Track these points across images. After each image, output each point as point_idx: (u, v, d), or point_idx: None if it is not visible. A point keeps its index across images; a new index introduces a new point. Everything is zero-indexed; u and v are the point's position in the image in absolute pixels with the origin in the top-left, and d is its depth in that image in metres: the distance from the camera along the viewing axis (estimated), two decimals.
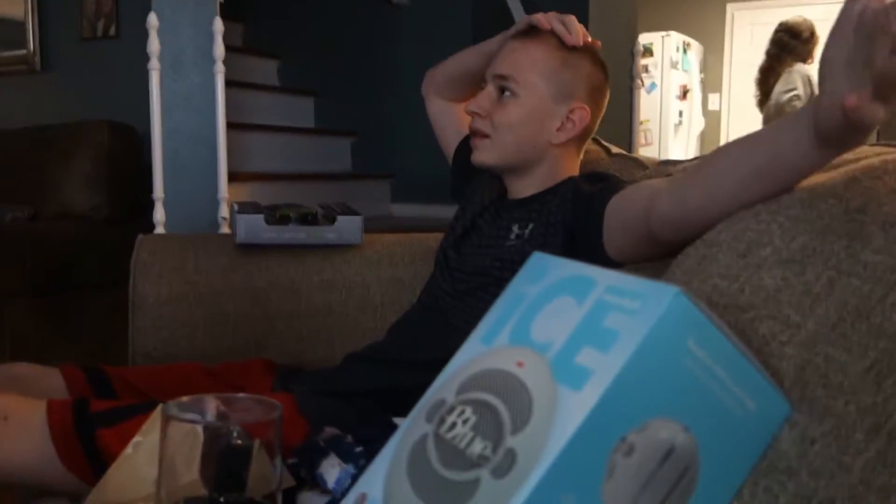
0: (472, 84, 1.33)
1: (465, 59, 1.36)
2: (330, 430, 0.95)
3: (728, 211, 0.72)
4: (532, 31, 1.18)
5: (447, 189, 1.43)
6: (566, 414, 0.49)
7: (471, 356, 0.62)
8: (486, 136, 1.17)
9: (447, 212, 1.41)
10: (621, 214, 0.98)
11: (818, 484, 0.51)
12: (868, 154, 0.74)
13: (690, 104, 6.48)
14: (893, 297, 0.54)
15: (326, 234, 1.50)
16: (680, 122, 6.27)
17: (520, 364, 0.56)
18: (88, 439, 0.94)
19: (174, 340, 1.40)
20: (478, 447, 0.53)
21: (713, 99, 6.98)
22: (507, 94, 1.15)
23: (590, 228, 1.03)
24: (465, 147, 1.29)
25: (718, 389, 0.52)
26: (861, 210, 0.62)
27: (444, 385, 0.61)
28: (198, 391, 1.02)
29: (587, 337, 0.53)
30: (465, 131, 1.27)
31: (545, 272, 0.63)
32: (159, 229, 2.10)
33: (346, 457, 0.85)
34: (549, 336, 0.56)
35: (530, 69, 1.14)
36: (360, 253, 1.53)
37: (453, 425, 0.56)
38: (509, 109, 1.15)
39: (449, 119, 1.42)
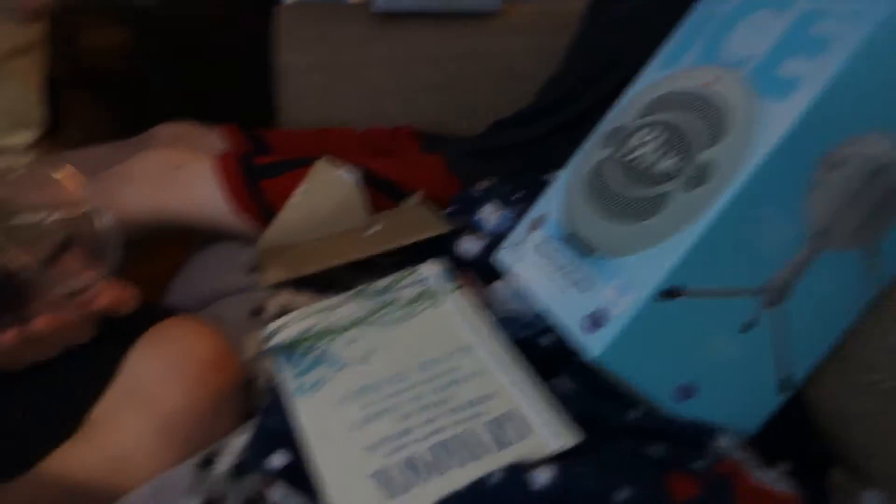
0: None
1: None
2: (485, 183, 0.95)
3: None
4: None
5: None
6: (769, 124, 0.46)
7: (648, 82, 0.59)
8: None
9: None
10: None
11: None
12: None
13: None
14: None
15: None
16: None
17: (706, 84, 0.52)
18: (254, 188, 0.97)
19: (321, 108, 1.43)
20: (665, 164, 0.50)
21: None
22: None
23: None
24: None
25: None
26: None
27: (620, 113, 0.59)
28: (351, 153, 1.03)
29: (791, 47, 0.49)
30: None
31: None
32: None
33: (504, 201, 0.83)
34: (744, 52, 0.52)
35: None
36: (500, 22, 1.48)
37: (635, 147, 0.54)
38: None
39: None
